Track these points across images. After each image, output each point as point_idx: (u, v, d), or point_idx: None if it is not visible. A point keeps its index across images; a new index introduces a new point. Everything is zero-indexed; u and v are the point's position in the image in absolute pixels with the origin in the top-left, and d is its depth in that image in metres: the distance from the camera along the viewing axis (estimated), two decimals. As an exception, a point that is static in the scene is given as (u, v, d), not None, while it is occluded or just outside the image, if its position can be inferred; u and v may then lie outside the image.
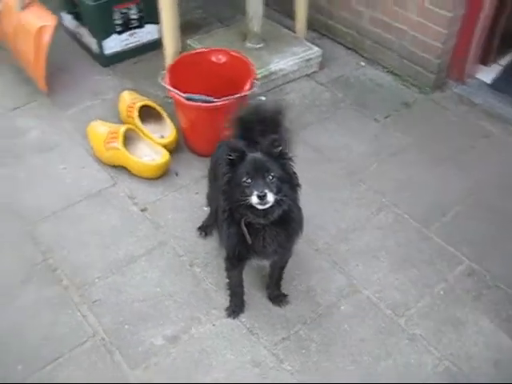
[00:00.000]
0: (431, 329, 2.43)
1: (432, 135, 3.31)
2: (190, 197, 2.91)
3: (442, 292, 2.57)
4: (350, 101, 3.55)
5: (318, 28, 4.06)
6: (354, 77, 3.75)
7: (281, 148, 2.00)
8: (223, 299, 2.46)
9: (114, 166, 3.03)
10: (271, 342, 2.34)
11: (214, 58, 3.14)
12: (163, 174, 3.00)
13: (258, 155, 1.99)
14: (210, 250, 2.66)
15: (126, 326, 2.40)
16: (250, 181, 1.95)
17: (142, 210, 2.86)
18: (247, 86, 2.92)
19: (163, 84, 2.93)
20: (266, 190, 1.92)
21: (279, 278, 2.46)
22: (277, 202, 1.96)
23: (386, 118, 3.44)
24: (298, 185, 2.08)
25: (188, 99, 2.86)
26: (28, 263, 2.61)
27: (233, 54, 3.14)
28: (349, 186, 3.00)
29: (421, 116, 3.46)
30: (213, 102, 2.85)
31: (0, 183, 2.97)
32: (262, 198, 1.91)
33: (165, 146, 3.01)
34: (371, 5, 3.66)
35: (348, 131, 3.31)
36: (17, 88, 3.57)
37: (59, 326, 2.39)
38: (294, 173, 2.06)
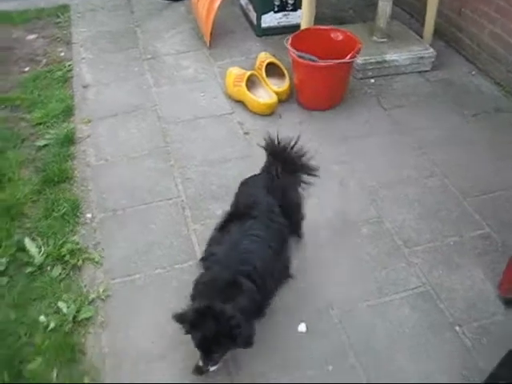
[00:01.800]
0: (428, 262, 2.94)
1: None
2: (285, 130, 3.69)
3: (452, 243, 3.05)
4: (446, 98, 4.08)
5: (448, 39, 4.61)
6: (461, 81, 4.25)
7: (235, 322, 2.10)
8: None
9: (236, 101, 3.95)
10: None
11: (332, 35, 3.92)
12: (270, 113, 3.85)
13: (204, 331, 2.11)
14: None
15: (201, 198, 3.28)
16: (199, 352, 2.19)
17: (244, 133, 3.74)
18: (348, 56, 3.65)
19: (286, 44, 3.79)
20: (209, 366, 2.22)
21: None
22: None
23: (474, 115, 3.91)
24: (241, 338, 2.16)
25: (299, 56, 3.68)
26: (154, 145, 3.63)
27: (348, 34, 3.89)
28: (414, 155, 3.58)
29: (508, 122, 3.84)
30: (317, 61, 3.64)
31: (155, 96, 4.06)
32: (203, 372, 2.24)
33: (277, 94, 3.86)
34: (492, 21, 4.15)
35: (432, 117, 3.86)
36: (190, 40, 4.72)
37: (159, 187, 3.34)
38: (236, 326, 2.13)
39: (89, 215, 3.20)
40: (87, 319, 2.69)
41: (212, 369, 2.21)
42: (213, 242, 2.48)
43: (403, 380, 2.44)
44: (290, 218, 2.61)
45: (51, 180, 3.38)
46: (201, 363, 2.20)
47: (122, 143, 3.67)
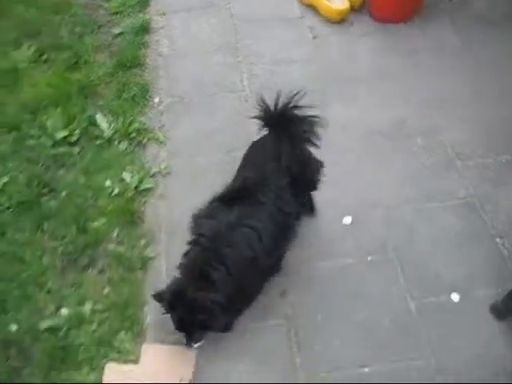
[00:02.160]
0: (478, 176, 2.97)
1: None
2: (355, 39, 3.73)
3: (503, 160, 3.04)
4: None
5: None
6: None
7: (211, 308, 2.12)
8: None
9: (308, 5, 3.95)
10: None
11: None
12: (341, 20, 3.85)
13: (183, 315, 2.17)
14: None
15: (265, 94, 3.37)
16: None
17: (313, 37, 3.77)
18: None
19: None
20: (192, 343, 2.26)
21: None
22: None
23: None
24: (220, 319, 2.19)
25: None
26: (224, 41, 3.73)
27: None
28: (482, 75, 3.50)
29: None
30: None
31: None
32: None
33: (350, 1, 3.85)
34: None
35: (508, 41, 3.74)
36: None
37: (226, 80, 3.46)
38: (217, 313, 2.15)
39: (157, 100, 3.37)
40: (148, 190, 2.90)
41: (196, 345, 2.26)
42: (210, 214, 2.31)
43: (438, 276, 2.55)
44: (302, 192, 2.47)
45: (124, 65, 3.54)
46: (184, 341, 2.25)
47: (194, 37, 3.78)
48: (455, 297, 2.51)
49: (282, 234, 2.33)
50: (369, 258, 2.62)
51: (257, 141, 2.55)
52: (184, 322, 2.18)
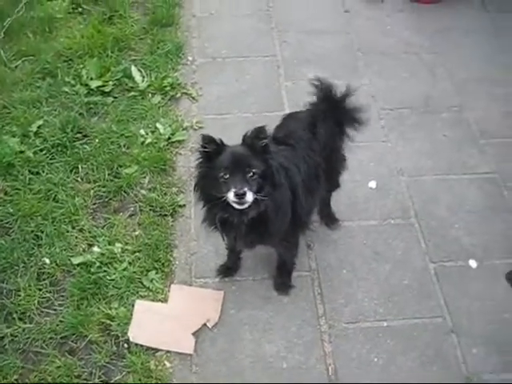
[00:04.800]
0: (501, 154, 3.08)
1: None
2: (386, 16, 3.81)
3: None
4: None
5: None
6: None
7: (266, 141, 1.88)
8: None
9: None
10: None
11: None
12: (373, -3, 3.91)
13: (237, 148, 1.89)
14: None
15: (295, 61, 3.45)
16: (227, 176, 1.82)
17: (345, 11, 3.85)
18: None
19: None
20: (246, 188, 1.81)
21: (282, 266, 2.42)
22: (254, 202, 1.85)
23: None
24: (279, 184, 1.93)
25: None
26: (257, 7, 3.82)
27: None
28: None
29: None
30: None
31: None
32: (240, 196, 1.80)
33: (383, -22, 3.91)
34: None
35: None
36: None
37: (257, 44, 3.53)
38: (277, 170, 1.93)
39: (190, 58, 3.45)
40: (180, 142, 2.99)
41: (248, 197, 1.86)
42: None
43: (456, 243, 2.65)
44: (330, 167, 2.32)
45: (159, 22, 3.61)
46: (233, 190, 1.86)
47: (227, 1, 3.87)
48: (473, 263, 2.60)
49: (314, 179, 2.22)
50: (391, 222, 2.71)
51: (293, 113, 2.47)
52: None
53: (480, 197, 2.86)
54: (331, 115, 2.23)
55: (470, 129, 3.17)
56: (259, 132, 1.88)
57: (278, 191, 1.94)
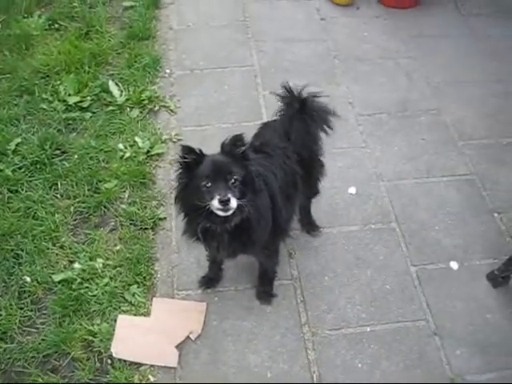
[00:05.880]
0: (479, 155, 3.11)
1: None
2: (362, 22, 3.83)
3: (504, 143, 3.20)
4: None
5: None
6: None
7: (244, 148, 1.90)
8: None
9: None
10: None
11: None
12: (348, 3, 3.94)
13: (217, 156, 1.91)
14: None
15: (273, 70, 3.47)
16: (210, 184, 1.83)
17: (321, 19, 3.88)
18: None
19: None
20: (229, 195, 1.81)
21: (263, 275, 2.43)
22: (238, 208, 1.85)
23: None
24: (260, 189, 1.96)
25: None
26: (234, 18, 3.85)
27: None
28: (484, 60, 3.63)
29: None
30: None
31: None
32: (225, 202, 1.80)
33: (358, -15, 3.95)
34: None
35: (509, 29, 3.87)
36: None
37: (235, 55, 3.54)
38: (257, 175, 1.96)
39: (168, 70, 3.46)
40: (159, 155, 2.99)
41: (232, 203, 1.86)
42: None
43: (437, 245, 2.66)
44: (308, 173, 2.33)
45: (135, 36, 3.62)
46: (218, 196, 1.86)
47: (204, 13, 3.87)
48: (454, 265, 2.62)
49: (291, 186, 2.24)
50: (372, 226, 2.72)
51: (268, 122, 2.50)
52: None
53: (459, 198, 2.88)
54: (300, 118, 2.23)
55: (448, 131, 3.20)
56: (237, 139, 1.90)
57: (259, 197, 1.97)
